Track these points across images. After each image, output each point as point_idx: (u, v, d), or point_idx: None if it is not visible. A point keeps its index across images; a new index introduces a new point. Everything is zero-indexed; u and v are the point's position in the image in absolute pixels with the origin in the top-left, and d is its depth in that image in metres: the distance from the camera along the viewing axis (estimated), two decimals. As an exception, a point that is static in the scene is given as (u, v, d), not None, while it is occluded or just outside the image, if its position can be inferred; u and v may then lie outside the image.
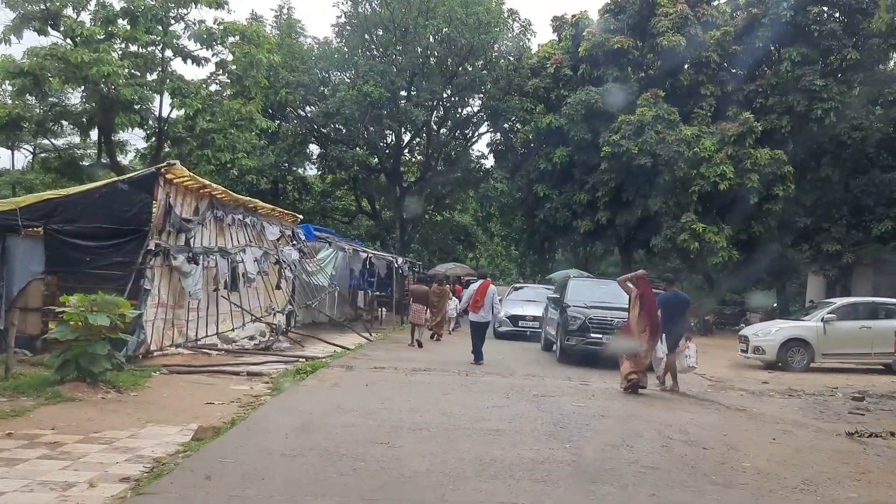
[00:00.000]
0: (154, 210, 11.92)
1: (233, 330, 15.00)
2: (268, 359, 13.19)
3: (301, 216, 20.61)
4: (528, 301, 21.24)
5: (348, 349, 15.22)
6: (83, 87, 22.79)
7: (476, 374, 12.00)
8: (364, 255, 22.84)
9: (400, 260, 24.94)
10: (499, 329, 21.23)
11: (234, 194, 15.76)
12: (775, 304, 31.28)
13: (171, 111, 25.08)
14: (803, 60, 28.05)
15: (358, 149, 31.53)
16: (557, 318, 14.94)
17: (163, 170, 11.98)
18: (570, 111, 29.34)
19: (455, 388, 10.46)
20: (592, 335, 13.72)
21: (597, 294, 15.23)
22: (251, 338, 16.03)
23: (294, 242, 18.77)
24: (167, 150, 25.90)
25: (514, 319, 20.76)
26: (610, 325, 13.73)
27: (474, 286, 15.11)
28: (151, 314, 12.15)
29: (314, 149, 36.54)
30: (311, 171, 41.81)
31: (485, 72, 32.42)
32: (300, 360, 13.16)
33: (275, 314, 15.35)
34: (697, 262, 28.64)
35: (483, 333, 14.63)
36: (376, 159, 36.21)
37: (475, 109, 35.89)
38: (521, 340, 20.08)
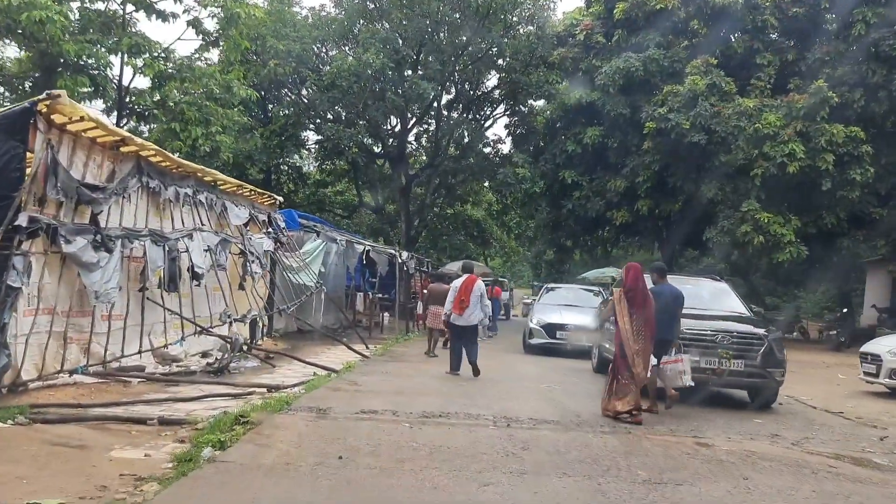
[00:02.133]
0: (28, 167, 7.79)
1: (174, 344, 10.75)
2: (212, 390, 8.98)
3: (280, 199, 16.39)
4: (566, 306, 16.90)
5: (333, 372, 10.98)
6: (20, 42, 18.70)
7: (523, 426, 7.42)
8: (360, 248, 18.58)
9: (405, 255, 20.68)
10: (530, 341, 16.97)
11: (180, 160, 11.55)
12: (845, 310, 26.84)
13: (133, 77, 20.91)
14: (880, 22, 23.56)
15: (355, 128, 27.19)
16: None
17: (42, 105, 7.78)
18: (605, 81, 25.06)
19: (497, 459, 5.95)
20: (706, 365, 9.41)
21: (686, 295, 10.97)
22: (205, 354, 11.82)
23: (269, 230, 14.56)
24: (129, 125, 21.76)
25: (551, 329, 16.43)
26: (713, 342, 9.44)
27: (458, 282, 12.33)
28: (26, 326, 7.96)
29: (311, 136, 32.39)
30: (307, 163, 38.02)
31: (504, 40, 28.12)
32: (256, 392, 8.95)
33: (230, 323, 11.10)
34: (757, 258, 24.24)
35: (474, 339, 11.91)
36: (379, 145, 32.03)
37: (491, 87, 31.65)
38: (559, 356, 15.80)
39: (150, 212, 10.55)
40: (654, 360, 8.64)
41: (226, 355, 10.66)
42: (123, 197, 9.72)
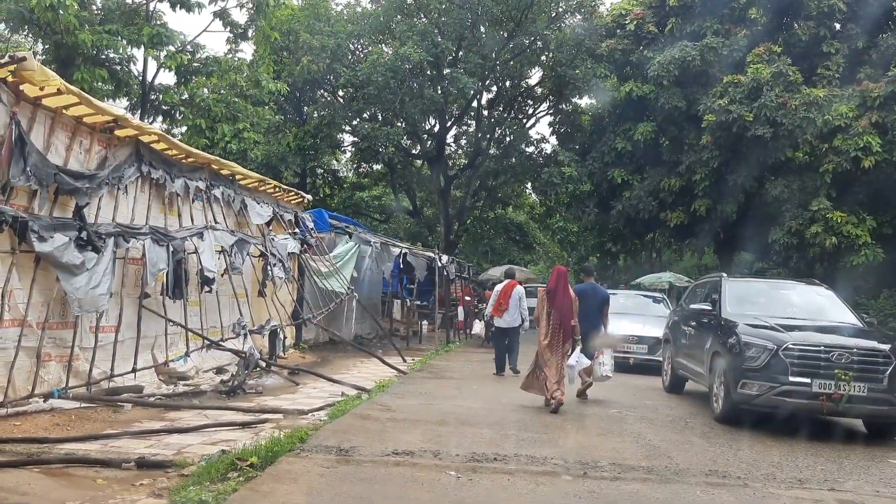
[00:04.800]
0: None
1: (178, 361, 9.28)
2: (218, 417, 7.50)
3: (309, 196, 14.96)
4: (624, 314, 15.09)
5: (363, 392, 9.44)
6: (36, 33, 17.67)
7: (604, 475, 5.57)
8: (396, 251, 17.02)
9: (444, 258, 19.07)
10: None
11: (190, 148, 10.16)
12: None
13: (157, 72, 19.76)
14: (962, 5, 21.48)
15: (392, 127, 25.65)
16: (710, 345, 8.89)
17: (4, 72, 6.40)
18: (659, 72, 23.22)
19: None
20: (795, 379, 7.64)
21: (780, 304, 9.17)
22: (220, 370, 10.37)
23: (296, 231, 13.11)
24: (154, 125, 20.58)
25: (609, 341, 14.69)
26: (828, 360, 7.64)
27: (499, 287, 13.25)
28: (-10, 340, 6.56)
29: (346, 138, 30.98)
30: (343, 167, 36.72)
31: (547, 32, 26.42)
32: (271, 419, 7.43)
33: (245, 335, 9.61)
34: (827, 262, 22.10)
35: (515, 341, 12.92)
36: (417, 146, 30.52)
37: (534, 83, 29.92)
38: (619, 371, 13.98)
39: (152, 206, 9.15)
40: (578, 356, 9.06)
41: (240, 373, 9.16)
42: (119, 188, 8.31)
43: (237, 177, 11.31)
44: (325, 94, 29.72)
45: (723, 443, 7.33)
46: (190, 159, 10.01)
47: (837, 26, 23.99)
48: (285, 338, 11.10)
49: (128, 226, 8.32)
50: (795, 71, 21.93)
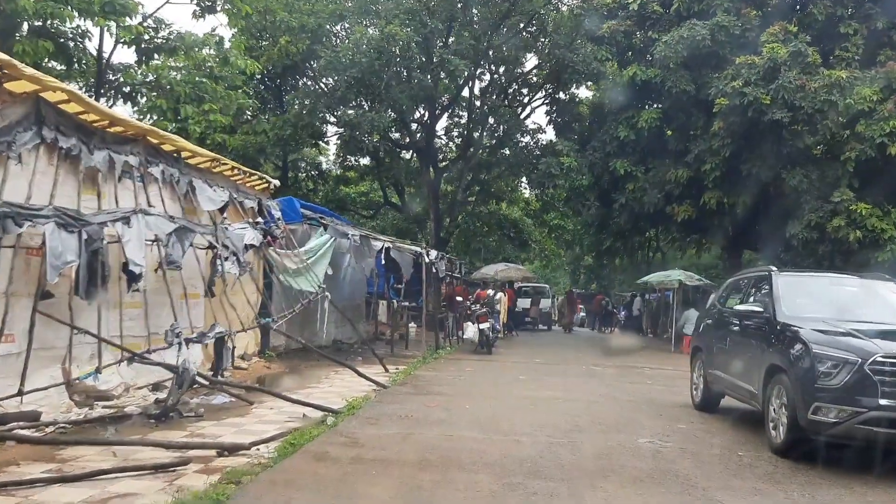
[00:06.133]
0: None
1: (87, 378, 7.37)
2: (128, 455, 5.64)
3: (277, 182, 13.07)
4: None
5: (331, 414, 7.59)
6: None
7: None
8: (378, 245, 15.12)
9: (433, 254, 17.17)
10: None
11: (114, 112, 8.29)
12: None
13: (114, 47, 17.86)
14: None
15: (378, 113, 23.78)
16: (765, 357, 7.02)
17: None
18: (666, 53, 21.44)
19: None
20: (886, 402, 5.81)
21: (847, 304, 7.32)
22: (157, 387, 8.48)
23: (259, 220, 11.23)
24: (117, 108, 18.64)
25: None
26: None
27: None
28: None
29: (330, 130, 29.05)
30: (327, 159, 34.81)
31: (543, 12, 24.61)
32: (198, 456, 5.57)
33: (181, 344, 7.67)
34: (847, 259, 20.31)
35: None
36: (406, 137, 28.62)
37: (529, 69, 28.08)
38: (629, 380, 12.22)
39: (62, 183, 7.28)
40: None
41: (172, 392, 7.27)
42: (8, 156, 6.44)
43: (182, 153, 9.43)
44: (307, 81, 27.83)
45: (799, 490, 5.49)
46: (117, 128, 8.14)
47: (854, 6, 22.28)
48: (234, 347, 9.19)
49: (20, 205, 6.45)
50: (814, 52, 20.22)
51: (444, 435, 6.87)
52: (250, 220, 10.85)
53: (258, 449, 6.12)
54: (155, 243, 8.09)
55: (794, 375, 6.36)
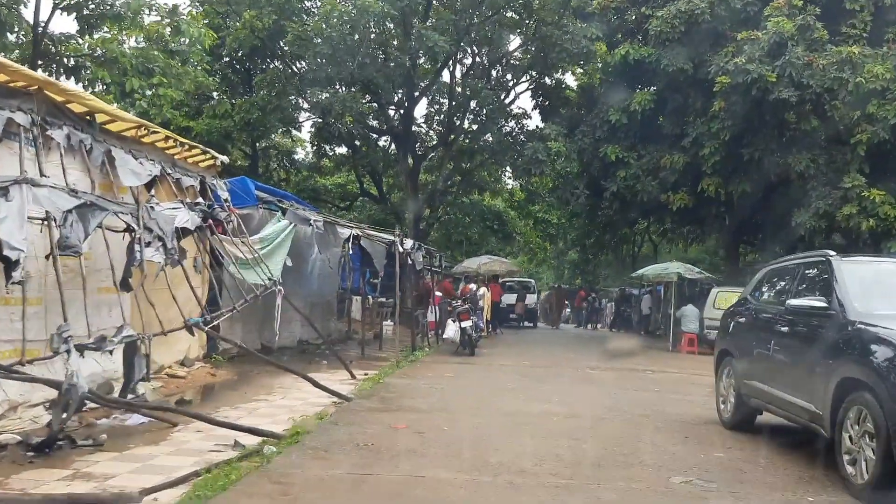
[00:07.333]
0: None
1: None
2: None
3: (225, 158, 11.27)
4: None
5: (271, 441, 5.87)
6: None
7: None
8: (345, 233, 13.36)
9: (408, 243, 15.41)
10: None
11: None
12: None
13: (51, 14, 15.92)
14: None
15: (350, 94, 21.98)
16: (831, 366, 5.33)
17: None
18: (662, 28, 19.88)
19: None
20: None
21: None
22: (49, 406, 6.70)
23: (200, 201, 9.45)
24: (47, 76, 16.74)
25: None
26: None
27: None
28: None
29: (302, 115, 27.16)
30: (300, 146, 32.99)
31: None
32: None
33: (69, 351, 5.88)
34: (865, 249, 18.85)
35: None
36: (383, 123, 26.83)
37: (514, 48, 26.35)
38: (634, 387, 10.62)
39: None
40: None
41: (55, 417, 5.51)
42: None
43: (95, 113, 7.64)
44: (277, 63, 25.96)
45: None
46: (1, 76, 6.37)
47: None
48: (148, 355, 7.43)
49: None
50: (821, 27, 18.75)
51: (413, 476, 5.16)
52: (188, 200, 9.05)
53: (155, 499, 4.41)
54: (44, 223, 6.31)
55: (885, 391, 4.72)
